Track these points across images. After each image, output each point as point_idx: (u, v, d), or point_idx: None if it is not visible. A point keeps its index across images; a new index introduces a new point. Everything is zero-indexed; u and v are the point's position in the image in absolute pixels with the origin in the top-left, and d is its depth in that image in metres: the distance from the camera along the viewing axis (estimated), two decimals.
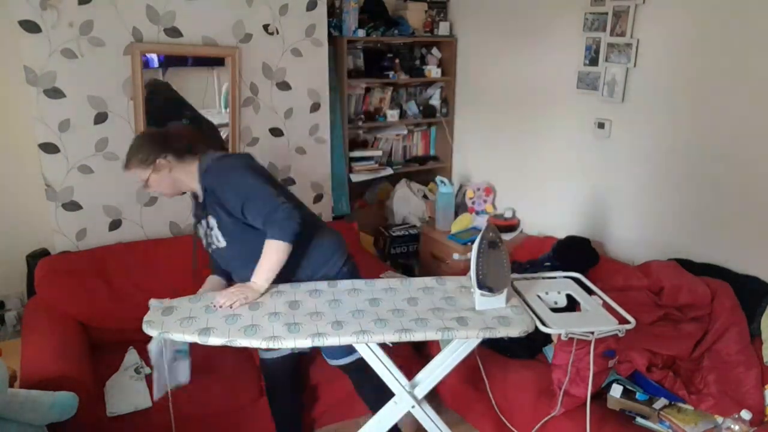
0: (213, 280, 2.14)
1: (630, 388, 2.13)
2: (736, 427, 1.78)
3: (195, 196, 2.04)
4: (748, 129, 2.29)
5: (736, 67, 2.28)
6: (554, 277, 2.14)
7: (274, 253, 1.85)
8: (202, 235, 2.04)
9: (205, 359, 2.38)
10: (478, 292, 1.84)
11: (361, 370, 2.05)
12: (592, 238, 2.87)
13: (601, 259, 2.72)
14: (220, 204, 1.90)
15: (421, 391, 1.97)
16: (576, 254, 2.71)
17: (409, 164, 3.91)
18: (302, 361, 2.38)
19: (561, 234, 2.99)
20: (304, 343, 1.65)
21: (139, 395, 2.21)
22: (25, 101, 2.48)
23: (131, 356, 2.44)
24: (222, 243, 1.96)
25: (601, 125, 2.84)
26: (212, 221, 1.95)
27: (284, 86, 2.99)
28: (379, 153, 3.75)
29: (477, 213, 3.54)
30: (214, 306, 1.80)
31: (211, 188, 1.91)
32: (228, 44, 2.78)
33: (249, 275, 1.90)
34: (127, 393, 2.22)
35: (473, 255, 1.84)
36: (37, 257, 2.60)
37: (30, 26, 2.36)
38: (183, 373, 2.04)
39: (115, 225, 2.75)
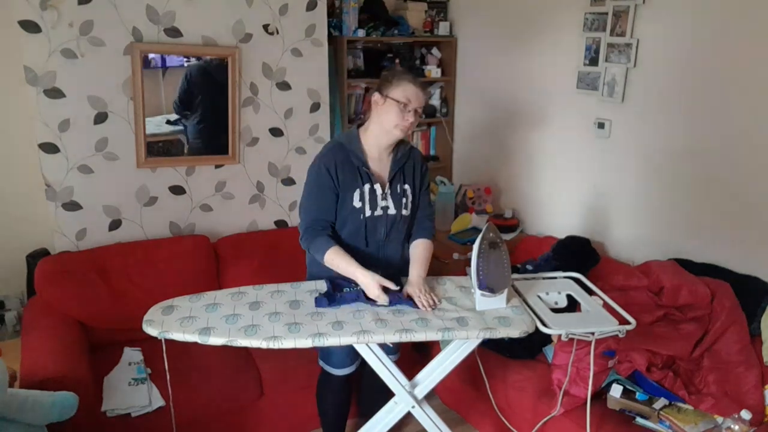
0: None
1: (630, 388, 2.13)
2: (736, 427, 1.79)
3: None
4: (748, 128, 2.29)
5: (736, 67, 2.29)
6: (554, 278, 2.14)
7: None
8: (379, 197, 1.97)
9: (205, 359, 2.39)
10: (478, 292, 1.84)
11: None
12: (592, 238, 2.87)
13: (601, 259, 2.72)
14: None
15: (421, 391, 1.97)
16: (576, 254, 2.71)
17: None
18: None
19: (561, 234, 2.99)
20: (305, 343, 1.65)
21: (139, 395, 2.20)
22: (25, 101, 2.48)
23: (131, 355, 2.43)
24: (408, 212, 2.02)
25: (601, 125, 2.84)
26: (408, 188, 2.01)
27: (284, 86, 2.99)
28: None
29: (477, 213, 3.54)
30: (423, 306, 1.83)
31: (413, 158, 2.03)
32: (228, 44, 2.78)
33: (396, 254, 2.03)
34: (127, 393, 2.21)
35: (473, 255, 1.84)
36: (37, 257, 2.59)
37: (30, 26, 2.36)
38: (142, 397, 2.08)
39: (115, 225, 2.75)
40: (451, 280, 2.06)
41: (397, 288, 1.87)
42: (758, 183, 2.29)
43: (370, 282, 1.82)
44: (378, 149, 1.97)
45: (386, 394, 2.08)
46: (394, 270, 2.00)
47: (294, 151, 3.13)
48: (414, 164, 2.03)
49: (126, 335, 2.50)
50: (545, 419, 2.16)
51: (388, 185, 1.97)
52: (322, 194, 1.94)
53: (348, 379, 2.16)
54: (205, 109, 2.81)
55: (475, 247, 1.84)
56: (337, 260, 1.88)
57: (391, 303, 1.83)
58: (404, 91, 1.85)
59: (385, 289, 1.83)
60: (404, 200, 2.00)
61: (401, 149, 2.01)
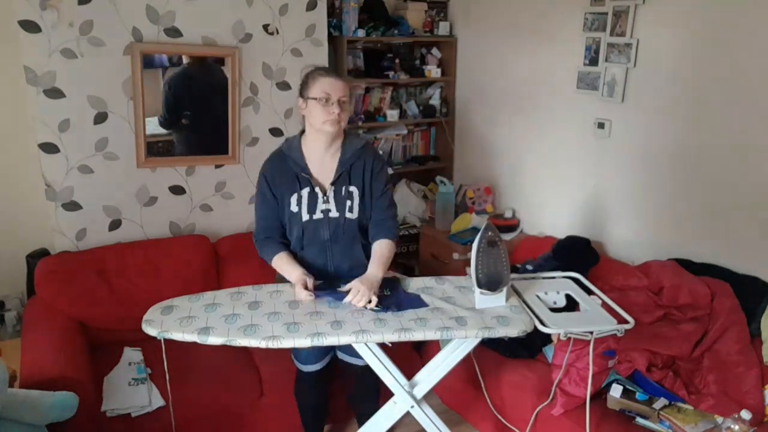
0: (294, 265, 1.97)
1: (630, 388, 2.13)
2: (736, 427, 1.78)
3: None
4: (748, 128, 2.28)
5: (736, 67, 2.28)
6: (553, 277, 2.14)
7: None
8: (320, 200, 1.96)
9: (205, 359, 2.39)
10: (477, 290, 1.84)
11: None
12: (592, 238, 2.87)
13: (601, 259, 2.72)
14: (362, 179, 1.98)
15: (421, 390, 1.97)
16: (576, 254, 2.71)
17: (409, 164, 3.91)
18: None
19: (561, 234, 2.99)
20: (304, 342, 1.65)
21: (139, 395, 2.21)
22: (25, 101, 2.49)
23: (131, 355, 2.44)
24: (353, 215, 1.97)
25: (601, 125, 2.84)
26: (354, 189, 1.97)
27: (284, 86, 2.99)
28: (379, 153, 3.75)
29: (477, 213, 3.54)
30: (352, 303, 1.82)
31: (364, 157, 1.99)
32: (228, 44, 2.78)
33: (346, 257, 2.01)
34: (127, 393, 2.22)
35: (473, 253, 1.84)
36: (37, 257, 2.59)
37: (30, 26, 2.36)
38: (142, 397, 2.09)
39: (115, 225, 2.75)
40: (450, 281, 2.06)
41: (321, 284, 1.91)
42: (758, 182, 2.28)
43: (295, 282, 1.87)
44: (319, 152, 1.95)
45: (373, 389, 2.17)
46: (345, 273, 2.00)
47: None
48: (365, 164, 1.98)
49: (126, 335, 2.50)
50: (539, 408, 2.17)
51: (331, 188, 1.95)
52: (264, 202, 1.99)
53: (317, 376, 2.17)
54: (194, 115, 2.81)
55: (475, 245, 1.84)
56: (281, 265, 1.95)
57: (318, 296, 1.84)
58: (320, 85, 1.86)
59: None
60: (348, 203, 1.96)
61: (351, 148, 1.97)
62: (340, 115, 1.87)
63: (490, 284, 1.82)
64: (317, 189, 1.95)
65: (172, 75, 2.71)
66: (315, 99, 1.86)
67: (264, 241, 2.00)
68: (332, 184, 1.95)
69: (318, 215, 1.95)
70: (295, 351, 2.15)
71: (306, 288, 1.84)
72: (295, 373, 2.23)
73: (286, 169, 1.95)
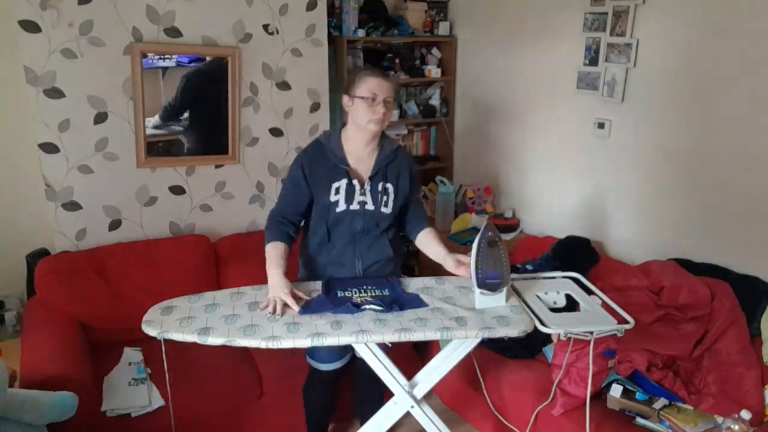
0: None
1: (630, 388, 2.13)
2: (736, 427, 1.79)
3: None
4: (748, 128, 2.28)
5: (736, 67, 2.28)
6: (553, 277, 2.14)
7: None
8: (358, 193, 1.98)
9: (205, 359, 2.39)
10: (477, 290, 1.84)
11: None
12: (592, 238, 2.87)
13: (601, 259, 2.72)
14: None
15: (421, 391, 1.97)
16: (576, 254, 2.71)
17: None
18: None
19: (561, 234, 2.99)
20: (303, 343, 1.65)
21: (139, 395, 2.21)
22: (25, 101, 2.48)
23: (131, 355, 2.44)
24: (388, 210, 2.01)
25: (601, 125, 2.84)
26: (390, 187, 2.01)
27: (284, 86, 2.99)
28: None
29: (477, 213, 3.54)
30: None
31: (400, 158, 2.04)
32: (228, 44, 2.78)
33: (371, 251, 2.04)
34: (127, 393, 2.22)
35: (473, 253, 1.84)
36: (37, 257, 2.59)
37: (30, 26, 2.36)
38: (142, 397, 2.09)
39: (115, 225, 2.75)
40: (450, 281, 2.06)
41: (307, 298, 1.81)
42: (758, 183, 2.28)
43: (275, 287, 1.80)
44: (358, 148, 1.99)
45: (378, 393, 2.17)
46: (370, 266, 2.04)
47: (294, 151, 3.13)
48: (400, 165, 2.04)
49: (126, 335, 2.49)
50: (539, 407, 2.17)
51: (368, 182, 1.98)
52: (292, 189, 2.01)
53: (335, 375, 2.17)
54: (194, 114, 2.80)
55: (475, 245, 1.85)
56: (273, 253, 1.91)
57: (304, 312, 1.77)
58: (367, 85, 1.88)
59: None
60: (385, 198, 1.99)
61: (388, 148, 2.02)
62: (385, 114, 1.91)
63: (489, 284, 1.82)
64: (355, 181, 1.97)
65: (187, 73, 2.71)
66: (362, 98, 1.89)
67: (275, 223, 1.99)
68: (370, 178, 1.99)
69: (355, 206, 1.97)
70: (311, 351, 2.13)
71: (293, 296, 1.79)
72: (309, 372, 2.22)
73: (324, 160, 1.98)
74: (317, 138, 2.06)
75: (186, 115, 2.77)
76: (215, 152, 2.91)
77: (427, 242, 2.11)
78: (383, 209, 2.00)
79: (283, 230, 1.98)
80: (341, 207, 1.97)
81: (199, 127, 2.84)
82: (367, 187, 1.98)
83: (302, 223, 2.08)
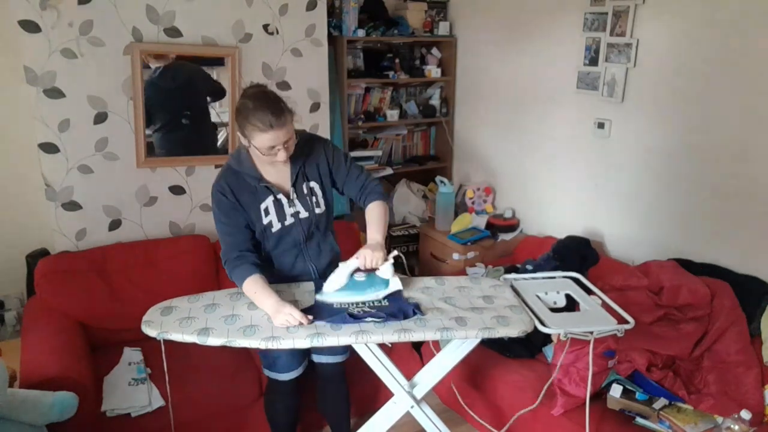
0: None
1: (630, 388, 2.13)
2: (736, 427, 1.79)
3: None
4: (748, 128, 2.29)
5: (736, 67, 2.28)
6: (553, 277, 2.14)
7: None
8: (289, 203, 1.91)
9: (205, 359, 2.39)
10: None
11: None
12: (592, 238, 2.87)
13: (601, 259, 2.72)
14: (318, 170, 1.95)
15: (420, 391, 1.97)
16: (576, 254, 2.71)
17: (409, 164, 3.91)
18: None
19: (561, 234, 2.99)
20: (303, 343, 1.65)
21: (139, 395, 2.21)
22: (25, 101, 2.49)
23: (131, 355, 2.44)
24: (321, 209, 1.95)
25: (601, 125, 2.84)
26: (314, 185, 1.94)
27: (284, 86, 2.99)
28: (379, 153, 3.75)
29: (477, 213, 3.54)
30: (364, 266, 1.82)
31: (311, 149, 1.94)
32: (228, 44, 2.78)
33: (320, 252, 2.00)
34: (127, 393, 2.22)
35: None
36: (37, 257, 2.59)
37: (30, 26, 2.36)
38: (142, 397, 2.09)
39: (115, 225, 2.75)
40: (450, 281, 2.06)
41: (311, 319, 1.73)
42: (758, 183, 2.28)
43: (280, 312, 1.70)
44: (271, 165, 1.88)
45: (342, 391, 2.19)
46: (325, 269, 1.99)
47: None
48: (316, 155, 1.93)
49: (126, 335, 2.50)
50: (527, 409, 2.18)
51: (292, 190, 1.91)
52: (229, 220, 1.86)
53: (296, 383, 2.09)
54: (172, 116, 2.80)
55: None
56: (256, 288, 1.77)
57: (317, 319, 1.73)
58: (260, 140, 1.71)
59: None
60: (313, 199, 1.94)
61: (298, 149, 1.86)
62: (289, 151, 1.78)
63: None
64: (280, 195, 1.89)
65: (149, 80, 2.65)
66: (258, 149, 1.74)
67: (235, 261, 1.82)
68: (293, 185, 1.91)
69: (289, 220, 1.90)
70: (268, 361, 2.05)
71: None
72: (267, 385, 2.16)
73: (243, 185, 1.86)
74: (227, 164, 1.90)
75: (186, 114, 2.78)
76: (215, 152, 2.91)
77: (368, 218, 1.96)
78: (317, 210, 1.94)
79: (248, 263, 1.82)
80: (276, 226, 1.89)
81: (200, 127, 2.84)
82: (293, 195, 1.91)
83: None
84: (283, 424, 2.22)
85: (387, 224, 1.97)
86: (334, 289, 1.84)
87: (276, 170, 1.89)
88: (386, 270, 1.86)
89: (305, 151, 1.92)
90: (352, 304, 1.83)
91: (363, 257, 1.82)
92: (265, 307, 1.74)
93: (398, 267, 2.00)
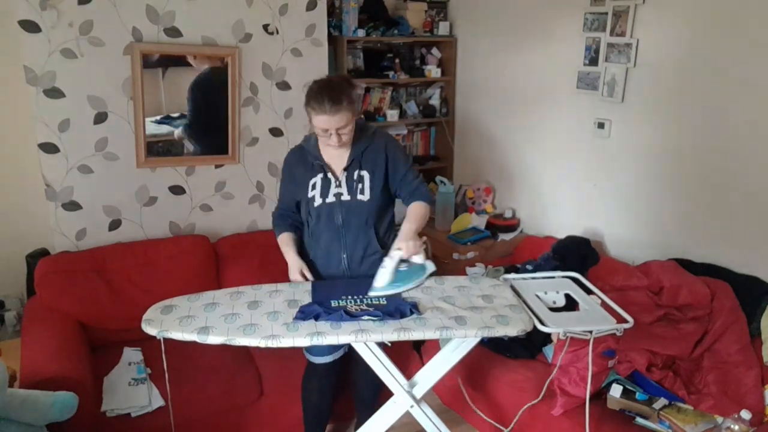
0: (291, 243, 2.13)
1: (630, 388, 2.13)
2: (736, 427, 1.78)
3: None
4: (748, 128, 2.28)
5: (736, 67, 2.28)
6: (553, 277, 2.14)
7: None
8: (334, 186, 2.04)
9: (205, 359, 2.40)
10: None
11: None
12: (592, 238, 2.87)
13: (601, 259, 2.72)
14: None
15: (420, 390, 1.97)
16: (576, 254, 2.71)
17: None
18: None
19: (561, 234, 2.99)
20: (303, 342, 1.65)
21: (139, 395, 2.21)
22: (25, 101, 2.49)
23: (131, 355, 2.44)
24: (365, 197, 2.04)
25: (601, 125, 2.84)
26: (365, 174, 2.05)
27: (284, 86, 3.00)
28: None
29: (477, 213, 3.54)
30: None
31: (375, 143, 2.07)
32: (228, 44, 2.78)
33: (358, 240, 2.07)
34: (127, 393, 2.22)
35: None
36: (37, 257, 2.60)
37: (30, 26, 2.36)
38: (142, 397, 2.10)
39: (114, 225, 2.75)
40: (450, 280, 2.06)
41: (311, 279, 2.02)
42: (758, 183, 2.28)
43: (292, 267, 2.05)
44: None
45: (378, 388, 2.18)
46: (359, 261, 2.08)
47: None
48: (377, 148, 2.06)
49: (126, 335, 2.50)
50: (527, 405, 2.16)
51: (343, 173, 2.03)
52: (283, 185, 2.19)
53: (329, 368, 2.20)
54: (195, 112, 2.81)
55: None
56: (282, 244, 2.11)
57: (296, 319, 1.75)
58: (316, 122, 1.90)
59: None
60: (360, 186, 2.03)
61: (363, 138, 2.04)
62: (342, 139, 1.93)
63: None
64: (329, 175, 2.04)
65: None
66: (315, 127, 1.94)
67: (278, 218, 2.18)
68: (345, 169, 2.03)
69: (330, 198, 2.03)
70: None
71: (301, 274, 2.02)
72: (306, 366, 2.25)
73: (303, 160, 2.09)
74: (300, 143, 2.16)
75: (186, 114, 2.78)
76: (215, 152, 2.92)
77: (407, 214, 2.09)
78: (360, 197, 2.03)
79: (286, 222, 2.15)
80: (318, 201, 2.04)
81: (199, 126, 2.84)
82: (342, 178, 2.03)
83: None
84: (315, 404, 2.31)
85: (424, 223, 2.08)
86: (386, 282, 1.90)
87: (336, 153, 2.04)
88: (420, 256, 1.96)
89: (370, 141, 2.06)
90: (350, 302, 1.84)
91: (406, 247, 1.92)
92: (286, 258, 2.09)
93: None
